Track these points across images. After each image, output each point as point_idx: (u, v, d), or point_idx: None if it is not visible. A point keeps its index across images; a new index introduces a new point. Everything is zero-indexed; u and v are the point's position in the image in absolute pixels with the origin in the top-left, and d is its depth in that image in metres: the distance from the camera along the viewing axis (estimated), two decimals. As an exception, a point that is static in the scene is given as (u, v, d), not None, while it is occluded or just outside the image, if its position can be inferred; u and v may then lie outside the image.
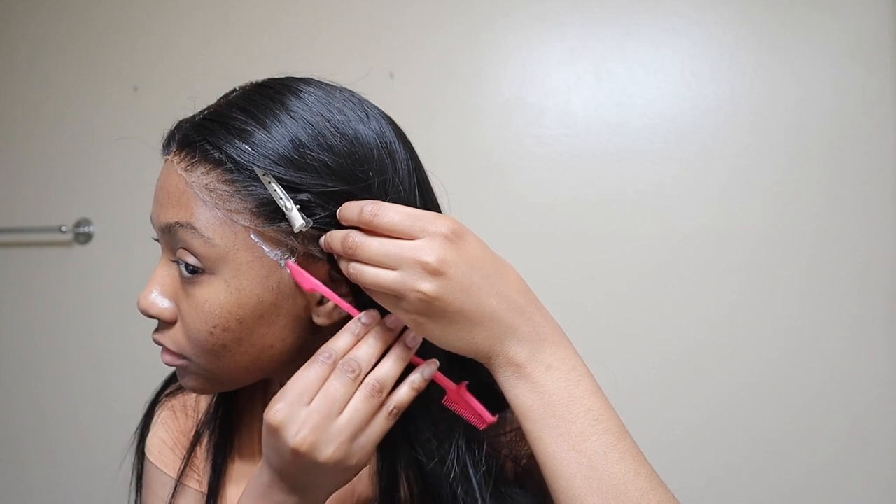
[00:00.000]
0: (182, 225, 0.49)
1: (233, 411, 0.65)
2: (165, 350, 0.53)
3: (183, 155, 0.51)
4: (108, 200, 1.59)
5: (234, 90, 0.55)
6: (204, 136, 0.50)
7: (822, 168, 1.24)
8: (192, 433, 0.67)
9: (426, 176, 0.56)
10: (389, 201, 0.49)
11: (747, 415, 1.26)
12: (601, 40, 1.33)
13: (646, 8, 1.30)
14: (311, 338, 0.53)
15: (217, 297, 0.50)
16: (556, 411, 0.47)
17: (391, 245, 0.46)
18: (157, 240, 0.55)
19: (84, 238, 1.60)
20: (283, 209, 0.48)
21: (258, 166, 0.48)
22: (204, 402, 0.68)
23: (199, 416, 0.68)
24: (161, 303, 0.52)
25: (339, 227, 0.49)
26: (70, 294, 1.62)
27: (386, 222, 0.46)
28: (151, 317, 0.53)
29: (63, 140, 1.62)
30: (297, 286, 0.50)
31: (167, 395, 0.70)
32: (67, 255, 1.61)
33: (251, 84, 0.55)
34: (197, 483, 0.66)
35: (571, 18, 1.34)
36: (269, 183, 0.48)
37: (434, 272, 0.45)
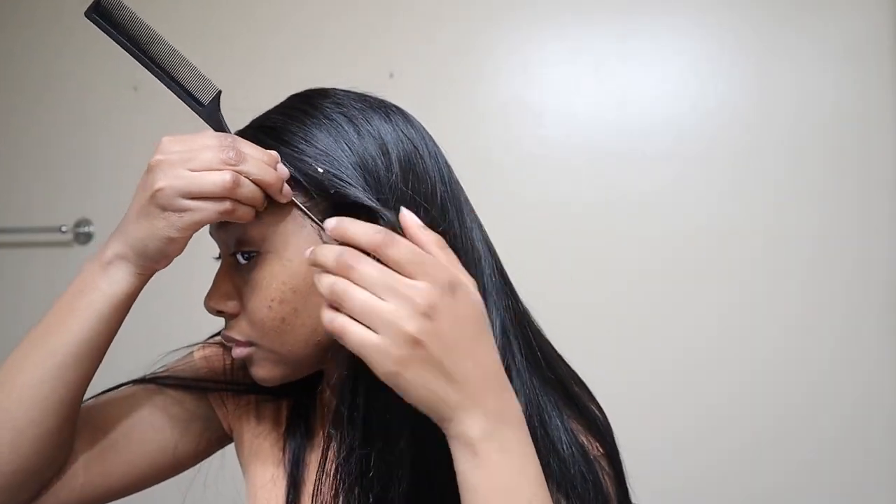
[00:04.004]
0: None
1: (310, 401, 0.66)
2: (235, 344, 0.57)
3: None
4: (108, 200, 1.59)
5: (264, 113, 0.60)
6: (247, 138, 0.55)
7: (822, 168, 1.24)
8: (239, 378, 0.67)
9: (452, 171, 0.60)
10: (412, 187, 0.54)
11: (747, 414, 1.26)
12: (601, 40, 1.33)
13: (646, 8, 1.31)
14: None
15: (271, 271, 0.54)
16: (499, 496, 0.47)
17: (390, 276, 0.45)
18: (218, 258, 0.60)
19: (84, 238, 1.60)
20: (317, 173, 0.53)
21: (296, 149, 0.54)
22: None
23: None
24: (224, 298, 0.57)
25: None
26: (70, 294, 1.61)
27: (392, 254, 0.45)
28: (218, 312, 0.57)
29: (63, 140, 1.62)
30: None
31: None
32: (67, 255, 1.61)
33: (289, 97, 0.61)
34: (217, 405, 0.67)
35: (571, 18, 1.34)
36: (306, 161, 0.53)
37: (423, 314, 0.44)
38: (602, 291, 1.32)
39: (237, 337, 0.57)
